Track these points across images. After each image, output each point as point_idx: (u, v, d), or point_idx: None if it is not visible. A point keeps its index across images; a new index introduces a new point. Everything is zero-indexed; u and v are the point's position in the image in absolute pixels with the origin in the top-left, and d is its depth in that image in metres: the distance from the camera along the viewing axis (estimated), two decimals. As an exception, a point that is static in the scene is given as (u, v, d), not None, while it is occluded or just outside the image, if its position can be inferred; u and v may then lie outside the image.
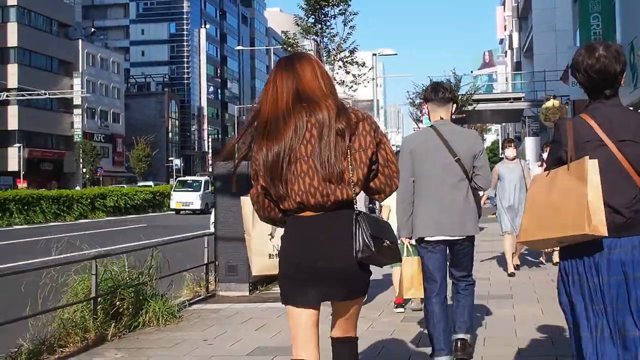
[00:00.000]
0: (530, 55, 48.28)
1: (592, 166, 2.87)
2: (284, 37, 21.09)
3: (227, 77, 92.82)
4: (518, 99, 37.56)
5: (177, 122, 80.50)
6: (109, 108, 69.15)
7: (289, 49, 19.83)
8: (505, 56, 73.68)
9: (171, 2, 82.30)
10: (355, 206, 2.81)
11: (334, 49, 18.95)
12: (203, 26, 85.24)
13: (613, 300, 2.91)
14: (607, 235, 2.84)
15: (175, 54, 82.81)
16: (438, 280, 4.62)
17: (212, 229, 8.91)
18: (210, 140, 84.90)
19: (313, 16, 18.89)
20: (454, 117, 4.97)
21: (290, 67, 2.90)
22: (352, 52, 19.25)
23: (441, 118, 4.73)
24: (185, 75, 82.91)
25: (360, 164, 2.79)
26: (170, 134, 78.38)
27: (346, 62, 19.27)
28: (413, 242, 4.87)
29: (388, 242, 2.86)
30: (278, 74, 2.91)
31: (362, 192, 2.90)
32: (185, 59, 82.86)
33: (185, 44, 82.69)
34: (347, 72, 19.69)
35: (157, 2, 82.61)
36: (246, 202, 3.80)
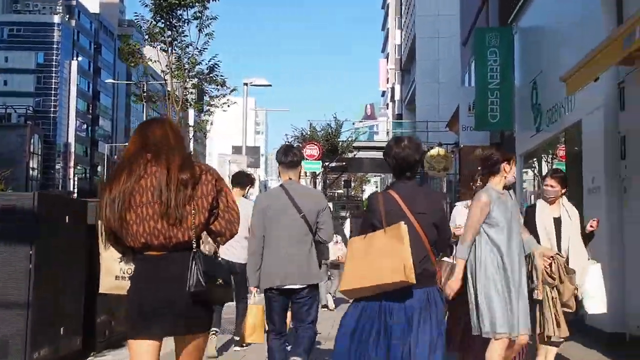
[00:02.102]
0: (412, 107, 48.25)
1: (405, 230, 3.85)
2: (121, 43, 17.83)
3: (100, 114, 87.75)
4: (400, 149, 36.38)
5: (39, 158, 74.60)
6: (-42, 139, 62.88)
7: (130, 58, 16.81)
8: (387, 108, 73.91)
9: (40, 30, 76.98)
10: (194, 247, 3.16)
11: (187, 62, 15.95)
12: (75, 58, 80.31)
13: (400, 336, 3.87)
14: (415, 283, 3.82)
15: (42, 86, 76.96)
16: (278, 324, 5.23)
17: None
18: (76, 179, 79.31)
19: (162, 20, 15.70)
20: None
21: (143, 125, 3.46)
22: (211, 68, 16.42)
23: (290, 179, 5.28)
24: (52, 109, 77.33)
25: (202, 209, 3.20)
26: (31, 171, 72.37)
27: (203, 79, 16.44)
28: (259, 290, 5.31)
29: (220, 280, 3.22)
30: (135, 132, 3.43)
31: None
32: (53, 92, 77.22)
33: (53, 75, 77.29)
34: (204, 94, 16.87)
35: (24, 29, 77.06)
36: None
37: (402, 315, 3.89)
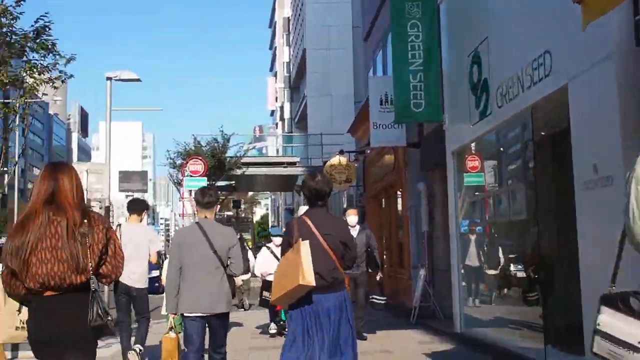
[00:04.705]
0: (302, 126, 45.79)
1: (301, 245, 4.79)
2: None
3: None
4: (293, 164, 33.33)
5: None
6: None
7: None
8: (277, 128, 71.04)
9: None
10: (92, 286, 3.53)
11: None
12: None
13: (328, 329, 4.87)
14: (315, 284, 4.74)
15: None
16: (196, 343, 5.86)
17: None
18: None
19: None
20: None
21: (53, 173, 3.70)
22: (37, 33, 12.64)
23: (205, 217, 6.09)
24: None
25: (93, 255, 3.59)
26: None
27: (29, 47, 12.69)
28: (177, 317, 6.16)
29: (109, 318, 3.59)
30: (42, 176, 3.69)
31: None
32: None
33: None
34: (34, 69, 13.03)
35: None
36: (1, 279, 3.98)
37: (326, 313, 4.87)
